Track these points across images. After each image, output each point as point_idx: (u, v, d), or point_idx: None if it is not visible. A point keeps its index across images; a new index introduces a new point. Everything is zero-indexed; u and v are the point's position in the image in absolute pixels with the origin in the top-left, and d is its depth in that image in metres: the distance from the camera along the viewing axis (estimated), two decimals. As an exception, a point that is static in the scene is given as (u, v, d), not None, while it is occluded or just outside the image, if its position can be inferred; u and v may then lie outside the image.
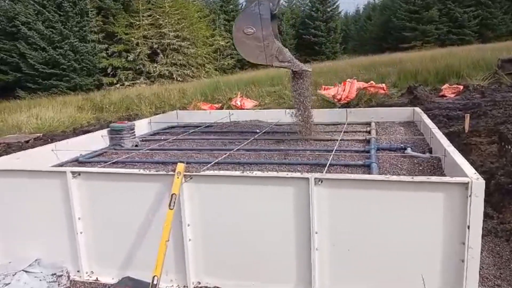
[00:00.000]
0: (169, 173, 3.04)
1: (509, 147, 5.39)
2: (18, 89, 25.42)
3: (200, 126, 6.28)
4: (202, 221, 3.10)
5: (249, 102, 13.50)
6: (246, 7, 4.71)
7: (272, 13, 4.62)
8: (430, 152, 4.06)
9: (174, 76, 29.85)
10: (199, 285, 3.19)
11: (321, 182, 2.80)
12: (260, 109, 11.44)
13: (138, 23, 29.60)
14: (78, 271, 3.43)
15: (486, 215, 3.91)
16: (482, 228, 2.58)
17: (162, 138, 5.65)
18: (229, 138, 5.38)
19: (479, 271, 2.68)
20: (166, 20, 30.65)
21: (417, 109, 5.86)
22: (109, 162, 4.23)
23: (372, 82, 13.85)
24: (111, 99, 16.51)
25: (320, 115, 6.31)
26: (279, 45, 4.69)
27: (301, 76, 4.89)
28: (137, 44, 29.28)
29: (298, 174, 2.90)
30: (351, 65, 19.39)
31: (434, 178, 2.64)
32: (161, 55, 30.32)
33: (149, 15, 30.22)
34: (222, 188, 3.04)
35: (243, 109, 12.05)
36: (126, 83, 28.33)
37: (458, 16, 41.67)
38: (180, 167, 2.96)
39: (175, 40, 30.68)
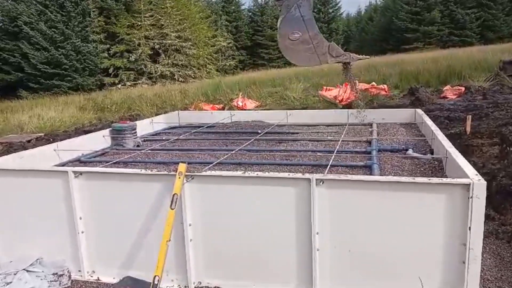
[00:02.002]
0: (171, 173, 3.05)
1: (511, 148, 5.39)
2: (20, 89, 25.46)
3: (201, 127, 6.29)
4: (203, 221, 3.10)
5: (250, 102, 13.51)
6: (285, 13, 4.49)
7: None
8: (432, 153, 4.06)
9: (176, 76, 29.86)
10: (200, 285, 3.19)
11: (323, 183, 2.80)
12: (261, 109, 11.46)
13: (139, 23, 29.62)
14: (79, 271, 3.43)
15: (487, 217, 3.90)
16: (483, 230, 2.58)
17: (164, 138, 5.65)
18: (230, 138, 5.38)
19: (480, 273, 2.68)
20: (168, 21, 30.67)
21: (419, 111, 5.86)
22: (111, 162, 4.23)
23: (373, 83, 13.86)
24: (113, 99, 16.54)
25: (321, 116, 6.33)
26: (330, 42, 4.58)
27: (351, 66, 4.88)
28: (139, 44, 29.31)
29: (299, 175, 2.90)
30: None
31: (435, 179, 2.64)
32: (163, 56, 30.34)
33: (151, 16, 30.24)
34: (224, 189, 3.04)
35: (245, 109, 12.06)
36: (128, 83, 28.35)
37: (460, 17, 41.65)
38: (182, 167, 2.97)
39: (176, 41, 30.70)
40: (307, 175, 2.85)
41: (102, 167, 3.90)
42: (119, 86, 27.77)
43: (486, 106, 9.63)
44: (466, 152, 5.46)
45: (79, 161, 4.49)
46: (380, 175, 3.30)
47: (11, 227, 3.58)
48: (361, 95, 5.41)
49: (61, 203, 3.36)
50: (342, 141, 4.72)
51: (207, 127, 6.26)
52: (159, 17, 30.44)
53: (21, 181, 3.47)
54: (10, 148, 9.08)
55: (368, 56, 4.85)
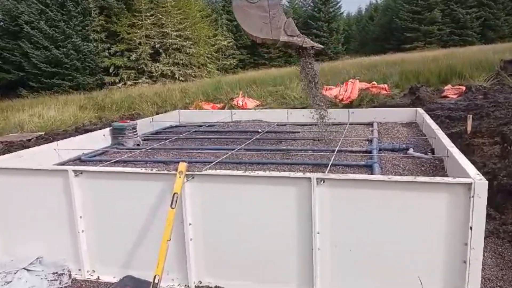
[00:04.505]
0: (171, 172, 3.04)
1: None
2: (20, 88, 25.50)
3: (202, 126, 6.28)
4: (204, 220, 3.10)
5: (251, 102, 13.52)
6: None
7: None
8: (433, 152, 4.05)
9: (176, 75, 29.85)
10: (200, 285, 3.19)
11: (323, 182, 2.79)
12: (262, 108, 11.46)
13: (140, 22, 29.60)
14: (79, 270, 3.43)
15: (488, 216, 3.88)
16: (484, 229, 2.57)
17: (164, 137, 5.65)
18: (231, 137, 5.38)
19: (481, 273, 2.67)
20: (169, 20, 30.65)
21: (419, 110, 5.85)
22: (111, 161, 4.23)
23: (374, 82, 13.86)
24: (113, 98, 16.56)
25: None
26: (288, 18, 4.12)
27: (310, 55, 4.31)
28: (140, 43, 29.28)
29: (300, 174, 2.89)
30: (353, 66, 19.39)
31: (436, 179, 2.63)
32: (163, 55, 30.32)
33: (152, 15, 30.22)
34: (224, 188, 3.03)
35: (245, 108, 12.06)
36: (128, 82, 28.34)
37: (460, 17, 41.61)
38: (182, 166, 2.96)
39: (177, 40, 30.68)
40: (307, 174, 2.84)
41: (102, 166, 3.89)
42: (120, 85, 27.75)
43: (487, 105, 9.63)
44: (467, 151, 5.46)
45: (79, 160, 4.48)
46: (381, 175, 3.29)
47: (12, 226, 3.58)
48: (325, 101, 4.74)
49: (61, 202, 3.36)
50: (343, 140, 4.71)
51: (207, 126, 6.25)
52: (160, 16, 30.42)
53: (21, 180, 3.47)
54: (10, 147, 9.09)
55: (322, 46, 4.36)
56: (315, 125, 5.10)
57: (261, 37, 4.13)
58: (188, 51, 31.37)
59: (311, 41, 4.23)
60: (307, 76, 4.45)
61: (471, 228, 2.54)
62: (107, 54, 28.89)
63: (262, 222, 2.98)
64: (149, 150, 4.77)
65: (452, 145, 3.52)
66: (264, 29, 4.04)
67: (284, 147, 4.63)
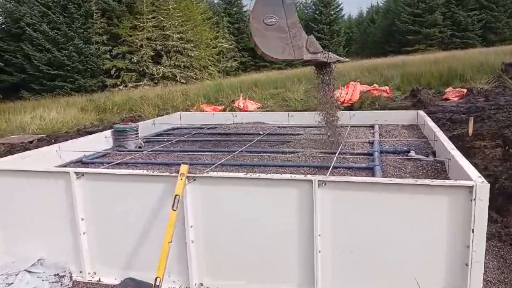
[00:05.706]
0: (173, 174, 3.05)
1: (513, 150, 5.37)
2: (22, 90, 25.57)
3: (203, 128, 6.29)
4: (205, 222, 3.10)
5: (252, 104, 13.53)
6: None
7: None
8: (434, 155, 4.05)
9: (178, 78, 29.90)
10: (202, 287, 3.18)
11: (325, 184, 2.79)
12: (263, 111, 11.47)
13: (142, 25, 29.67)
14: (80, 272, 3.43)
15: (490, 219, 3.86)
16: (486, 232, 2.57)
17: (166, 139, 5.65)
18: (232, 140, 5.38)
19: (483, 275, 2.66)
20: (170, 22, 30.72)
21: (421, 112, 5.85)
22: (113, 163, 4.23)
23: (375, 85, 13.85)
24: (115, 100, 16.58)
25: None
26: (309, 36, 4.04)
27: (329, 70, 4.21)
28: (141, 46, 29.34)
29: (301, 176, 2.89)
30: (354, 68, 19.38)
31: (438, 181, 2.62)
32: (165, 57, 30.38)
33: (153, 17, 30.29)
34: (225, 190, 3.03)
35: (246, 111, 12.07)
36: (130, 84, 28.37)
37: (461, 19, 41.65)
38: (184, 168, 2.97)
39: (178, 42, 30.75)
40: (309, 177, 2.84)
41: (104, 168, 3.90)
42: (121, 87, 27.79)
43: (489, 108, 9.62)
44: (468, 154, 5.45)
45: (81, 162, 4.49)
46: (382, 177, 3.29)
47: (13, 227, 3.58)
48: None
49: (63, 204, 3.36)
50: (344, 142, 4.71)
51: (208, 128, 6.26)
52: (162, 18, 30.48)
53: (23, 181, 3.47)
54: (12, 149, 9.11)
55: (348, 59, 4.31)
56: (316, 127, 5.09)
57: (283, 58, 4.01)
58: (189, 54, 31.42)
59: (335, 55, 4.15)
60: (329, 95, 4.32)
61: (472, 231, 2.54)
62: (108, 56, 28.96)
63: (263, 224, 2.98)
64: (151, 152, 4.78)
65: (454, 147, 3.52)
66: (286, 50, 3.91)
67: (286, 149, 4.63)
